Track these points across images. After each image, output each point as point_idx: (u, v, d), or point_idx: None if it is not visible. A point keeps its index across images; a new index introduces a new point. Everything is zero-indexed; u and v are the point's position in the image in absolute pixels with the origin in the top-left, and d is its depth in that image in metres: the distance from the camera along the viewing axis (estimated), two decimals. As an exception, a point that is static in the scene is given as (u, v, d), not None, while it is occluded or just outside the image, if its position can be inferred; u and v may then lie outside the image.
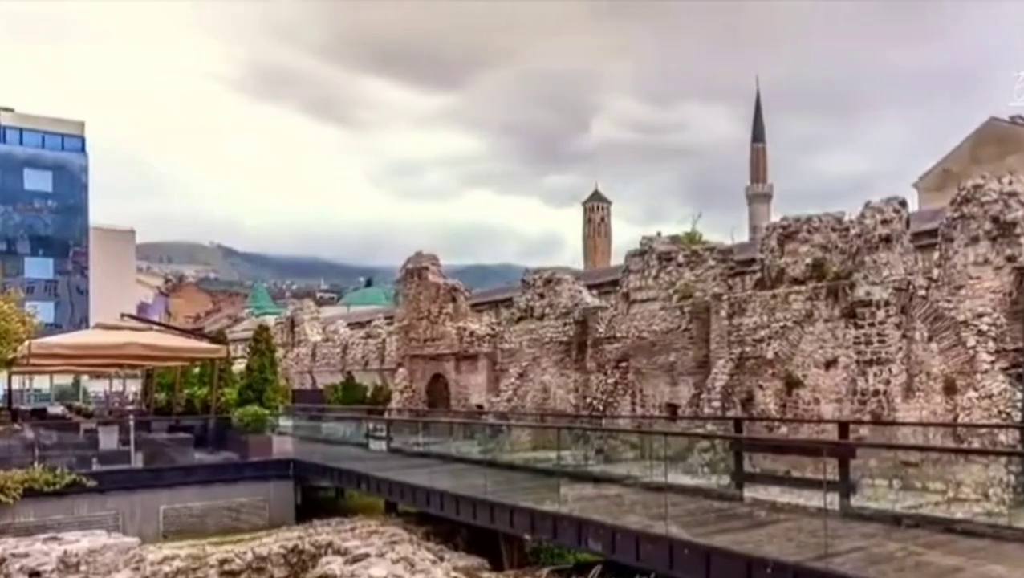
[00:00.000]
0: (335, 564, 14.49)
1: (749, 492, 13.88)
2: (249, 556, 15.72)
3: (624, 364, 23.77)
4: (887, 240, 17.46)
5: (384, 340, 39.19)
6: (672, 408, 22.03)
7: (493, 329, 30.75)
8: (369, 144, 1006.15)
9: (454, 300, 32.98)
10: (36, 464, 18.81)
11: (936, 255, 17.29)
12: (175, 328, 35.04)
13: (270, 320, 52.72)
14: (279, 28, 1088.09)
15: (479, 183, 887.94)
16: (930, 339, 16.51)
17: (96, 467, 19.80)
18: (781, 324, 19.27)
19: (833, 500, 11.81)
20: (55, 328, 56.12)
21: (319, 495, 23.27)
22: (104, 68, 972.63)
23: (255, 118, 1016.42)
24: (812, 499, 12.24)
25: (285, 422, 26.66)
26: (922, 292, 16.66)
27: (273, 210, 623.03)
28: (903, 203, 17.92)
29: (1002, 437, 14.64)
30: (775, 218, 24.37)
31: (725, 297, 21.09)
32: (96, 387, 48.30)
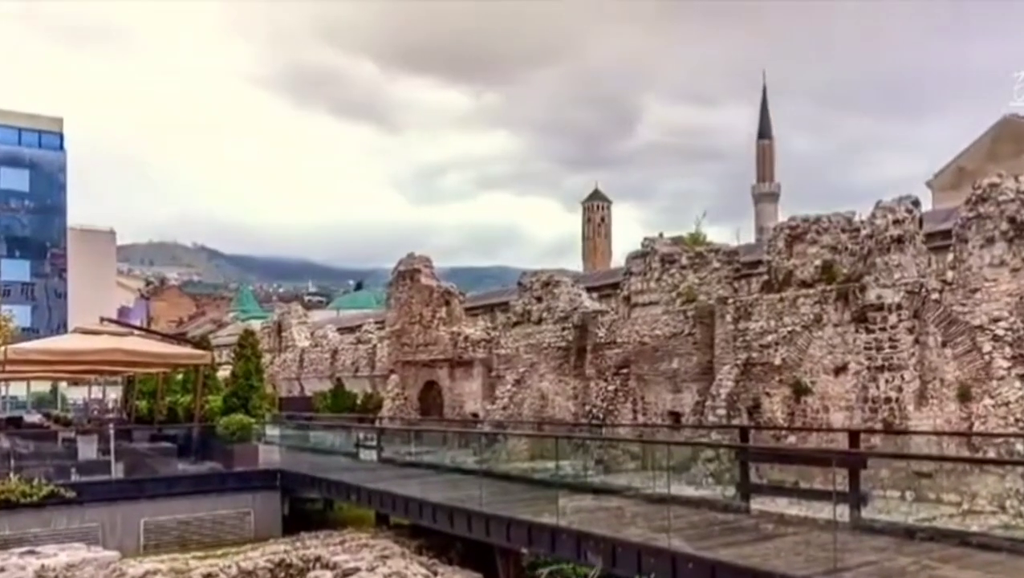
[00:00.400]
0: (324, 579, 14.50)
1: (756, 504, 13.91)
2: (234, 570, 15.71)
3: (625, 370, 23.76)
4: (899, 241, 17.47)
5: (375, 345, 39.17)
6: (675, 416, 22.03)
7: (488, 334, 30.72)
8: (396, 146, 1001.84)
9: (448, 304, 32.95)
10: (12, 475, 18.79)
11: (950, 257, 17.29)
12: (157, 333, 35.01)
13: (256, 325, 52.69)
14: (319, 28, 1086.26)
15: (500, 185, 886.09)
16: (944, 344, 16.52)
17: (75, 478, 19.80)
18: (789, 329, 19.28)
19: (843, 512, 11.83)
20: (32, 333, 56.15)
21: (307, 507, 23.25)
22: (122, 69, 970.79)
23: (282, 120, 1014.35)
24: (821, 511, 12.25)
25: (272, 431, 26.61)
26: (935, 295, 16.67)
27: (269, 212, 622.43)
28: (916, 202, 17.92)
29: (1019, 446, 14.62)
30: (782, 218, 24.38)
31: (730, 300, 21.09)
32: (75, 394, 48.27)
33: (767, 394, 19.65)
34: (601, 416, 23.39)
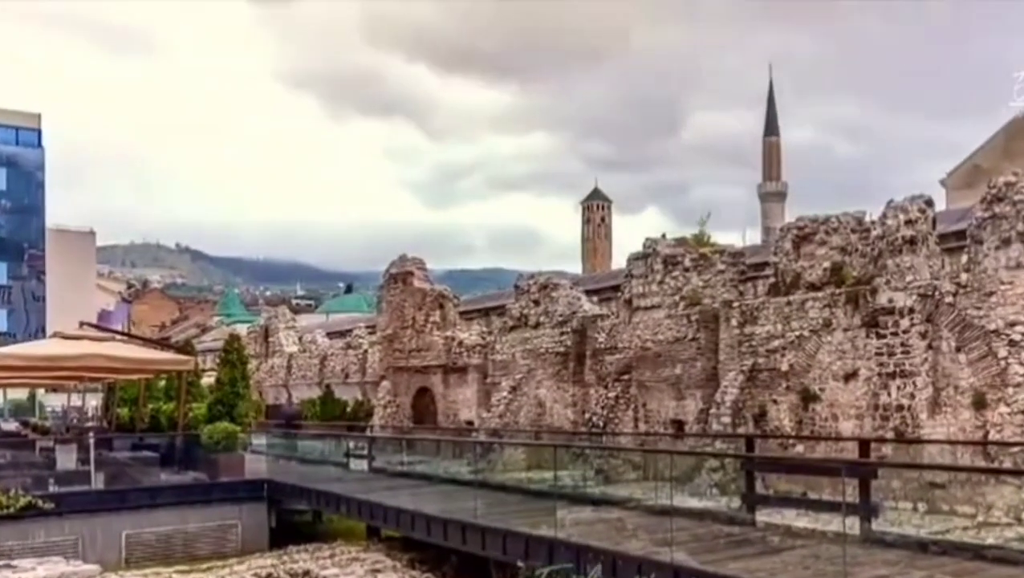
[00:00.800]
0: (312, 594, 14.47)
1: (762, 516, 13.89)
2: (219, 585, 15.69)
3: (626, 377, 23.75)
4: (911, 242, 17.47)
5: (366, 351, 39.14)
6: (678, 424, 22.02)
7: (484, 339, 30.70)
8: (427, 146, 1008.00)
9: (441, 307, 32.93)
10: (-13, 485, 18.73)
11: (965, 258, 17.31)
12: (139, 338, 34.98)
13: (242, 329, 52.69)
14: (353, 28, 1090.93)
15: (520, 187, 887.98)
16: (958, 350, 16.52)
17: (53, 488, 19.72)
18: (796, 333, 19.27)
19: (853, 524, 11.80)
20: (9, 337, 56.17)
21: (295, 519, 23.18)
22: (127, 69, 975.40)
23: (308, 122, 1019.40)
24: (830, 523, 12.25)
25: (258, 440, 26.61)
26: (949, 299, 16.67)
27: (263, 214, 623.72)
28: (929, 202, 17.91)
29: (1035, 456, 14.65)
30: (790, 218, 24.39)
31: (736, 304, 21.09)
32: (54, 402, 48.11)
33: (774, 401, 19.65)
34: (601, 424, 23.37)
